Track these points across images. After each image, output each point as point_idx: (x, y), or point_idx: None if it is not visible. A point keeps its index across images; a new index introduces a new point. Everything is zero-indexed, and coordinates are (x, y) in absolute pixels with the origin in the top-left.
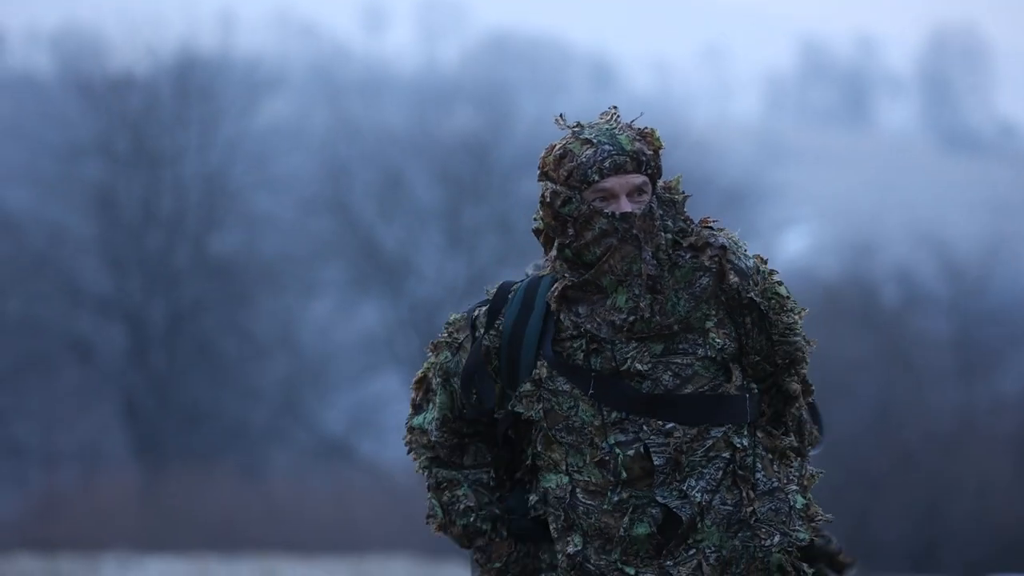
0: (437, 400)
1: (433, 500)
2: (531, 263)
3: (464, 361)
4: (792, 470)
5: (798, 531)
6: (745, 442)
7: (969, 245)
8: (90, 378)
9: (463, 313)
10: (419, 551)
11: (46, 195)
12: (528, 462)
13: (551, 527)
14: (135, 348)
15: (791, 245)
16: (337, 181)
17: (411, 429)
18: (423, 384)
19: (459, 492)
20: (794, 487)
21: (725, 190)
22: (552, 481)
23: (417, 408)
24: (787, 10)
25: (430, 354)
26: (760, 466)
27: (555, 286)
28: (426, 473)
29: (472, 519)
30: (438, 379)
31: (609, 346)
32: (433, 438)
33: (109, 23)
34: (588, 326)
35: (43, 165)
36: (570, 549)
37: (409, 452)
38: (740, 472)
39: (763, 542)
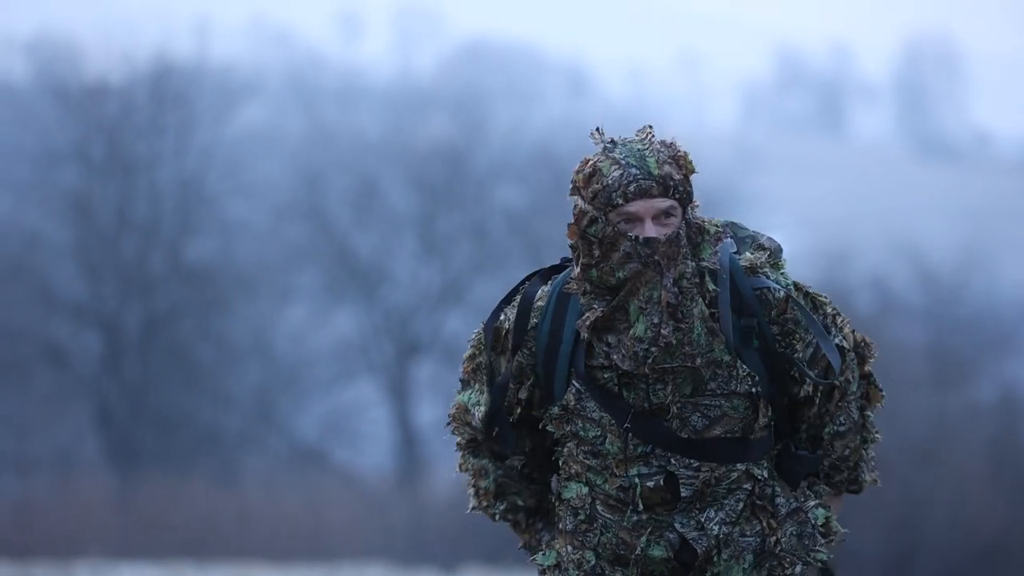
0: (485, 396)
1: (469, 485)
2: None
3: (499, 378)
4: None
5: (819, 551)
6: (764, 473)
7: (944, 253)
8: (65, 384)
9: (489, 323)
10: (393, 559)
11: (22, 201)
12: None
13: (566, 522)
14: (110, 354)
15: None
16: (312, 188)
17: (457, 404)
18: (473, 361)
19: (482, 484)
20: (812, 503)
21: (700, 198)
22: (573, 491)
23: (465, 384)
24: (763, 18)
25: (480, 335)
26: (779, 491)
27: (586, 315)
28: (460, 454)
29: (497, 510)
30: (486, 376)
31: (643, 383)
32: (475, 424)
33: (85, 30)
34: (614, 357)
35: (19, 171)
36: (585, 567)
37: (449, 424)
38: (759, 502)
39: (786, 571)
